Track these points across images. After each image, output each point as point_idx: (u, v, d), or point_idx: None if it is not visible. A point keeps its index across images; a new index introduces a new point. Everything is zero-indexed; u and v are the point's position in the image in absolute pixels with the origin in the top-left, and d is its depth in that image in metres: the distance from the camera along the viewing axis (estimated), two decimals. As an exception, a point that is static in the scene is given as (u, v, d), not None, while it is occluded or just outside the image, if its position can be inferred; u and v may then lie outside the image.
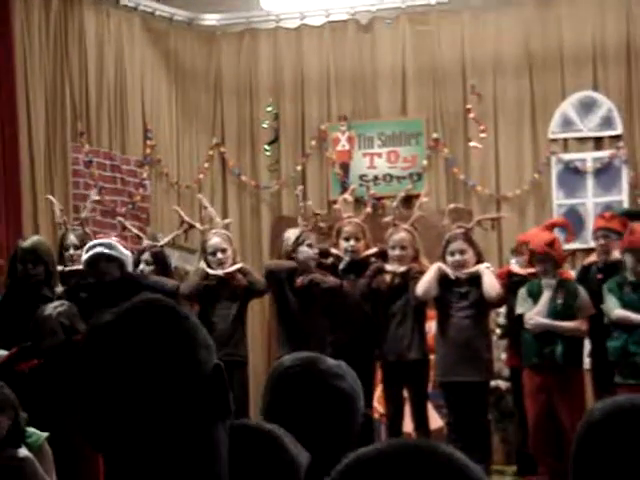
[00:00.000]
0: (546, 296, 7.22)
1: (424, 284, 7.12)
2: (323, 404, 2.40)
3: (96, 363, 1.75)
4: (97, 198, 8.33)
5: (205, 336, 1.73)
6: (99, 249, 6.52)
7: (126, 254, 6.68)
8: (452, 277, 7.14)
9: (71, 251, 7.16)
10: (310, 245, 7.30)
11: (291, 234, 7.46)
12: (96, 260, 6.48)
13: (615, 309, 7.12)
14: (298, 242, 7.32)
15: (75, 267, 7.01)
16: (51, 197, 8.05)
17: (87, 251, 6.57)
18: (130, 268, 6.70)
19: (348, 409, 2.45)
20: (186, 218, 7.88)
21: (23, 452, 4.66)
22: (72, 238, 7.22)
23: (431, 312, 7.54)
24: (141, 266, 7.20)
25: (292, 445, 2.06)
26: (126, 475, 1.70)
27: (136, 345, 1.69)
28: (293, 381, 2.45)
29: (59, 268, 6.92)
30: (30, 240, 6.66)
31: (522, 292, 7.37)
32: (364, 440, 2.41)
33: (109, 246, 6.59)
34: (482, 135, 9.00)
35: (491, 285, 7.12)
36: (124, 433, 1.70)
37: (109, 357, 1.72)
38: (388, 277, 7.32)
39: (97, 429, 1.78)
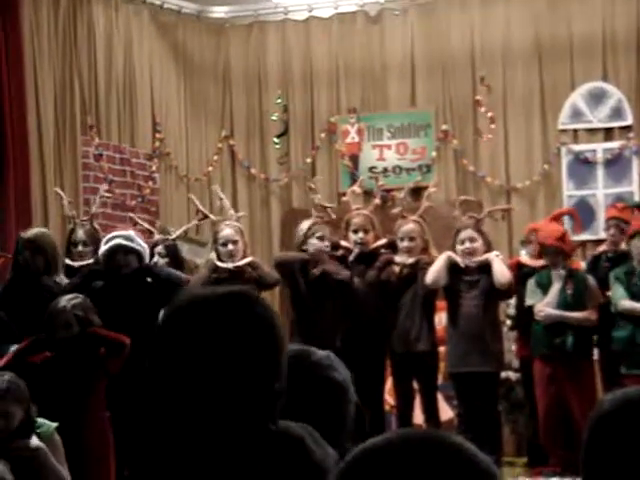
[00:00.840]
0: (556, 287, 7.20)
1: (433, 273, 7.11)
2: (317, 396, 2.39)
3: (175, 343, 1.73)
4: (107, 194, 8.32)
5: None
6: (118, 241, 6.52)
7: (144, 246, 6.68)
8: (462, 265, 7.13)
9: (79, 247, 7.16)
10: (321, 237, 7.28)
11: (304, 225, 7.46)
12: (114, 252, 6.47)
13: (622, 299, 7.10)
14: (307, 234, 7.31)
15: (84, 262, 7.01)
16: (59, 190, 8.04)
17: (106, 242, 6.57)
18: (147, 260, 6.69)
19: (341, 399, 2.46)
20: (201, 207, 7.88)
21: (35, 442, 4.68)
22: (80, 234, 7.21)
23: (441, 303, 7.53)
24: (155, 258, 7.19)
25: (318, 447, 2.06)
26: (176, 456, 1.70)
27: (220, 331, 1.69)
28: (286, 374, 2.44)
29: (67, 262, 6.92)
30: (31, 231, 6.66)
31: (531, 283, 7.35)
32: (357, 429, 2.44)
33: (128, 238, 6.58)
34: (492, 126, 8.97)
35: (501, 272, 7.11)
36: (188, 412, 1.69)
37: (191, 338, 1.71)
38: (397, 268, 7.31)
39: (160, 405, 1.76)
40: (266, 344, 1.74)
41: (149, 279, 6.48)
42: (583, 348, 7.23)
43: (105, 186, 8.50)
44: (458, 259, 7.13)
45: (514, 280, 7.29)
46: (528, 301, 7.33)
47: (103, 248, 6.56)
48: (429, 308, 7.32)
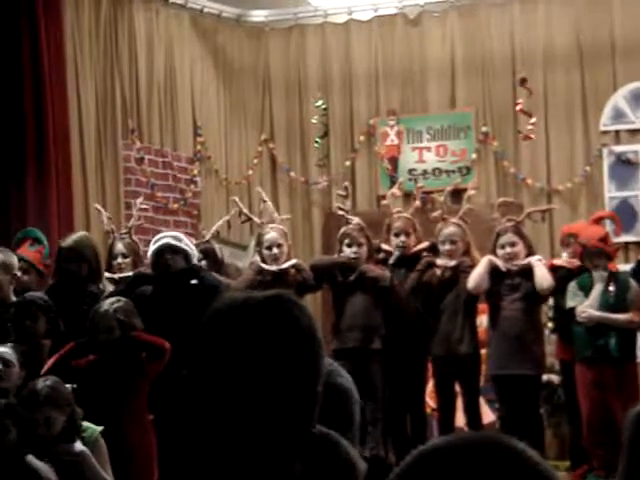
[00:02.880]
0: (598, 289, 7.15)
1: (475, 277, 7.09)
2: (328, 403, 2.42)
3: (216, 347, 1.74)
4: (144, 206, 8.36)
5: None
6: (166, 240, 6.56)
7: (192, 247, 6.72)
8: (503, 269, 7.10)
9: (119, 259, 7.20)
10: (349, 245, 7.26)
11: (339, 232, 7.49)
12: (163, 251, 6.52)
13: None
14: (340, 241, 7.33)
15: (124, 274, 7.03)
16: (98, 206, 8.07)
17: (155, 242, 6.62)
18: (195, 261, 6.73)
19: (349, 402, 2.52)
20: (245, 210, 7.90)
21: (78, 446, 4.71)
22: (120, 247, 7.26)
23: (482, 306, 7.50)
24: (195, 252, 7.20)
25: (352, 450, 2.08)
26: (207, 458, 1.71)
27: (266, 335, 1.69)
28: None
29: (107, 275, 6.94)
30: (70, 238, 6.66)
31: (573, 285, 7.31)
32: (363, 429, 2.50)
33: (176, 238, 6.63)
34: (529, 127, 8.92)
35: (543, 276, 7.07)
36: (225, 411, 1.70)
37: (231, 342, 1.71)
38: (439, 271, 7.29)
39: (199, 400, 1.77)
40: (305, 347, 1.74)
41: (194, 281, 6.51)
42: (626, 350, 7.17)
43: (141, 198, 8.53)
44: (499, 263, 7.10)
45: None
46: (569, 303, 7.28)
47: (152, 247, 6.61)
48: (471, 311, 7.30)
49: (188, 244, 6.68)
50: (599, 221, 7.77)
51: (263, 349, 1.69)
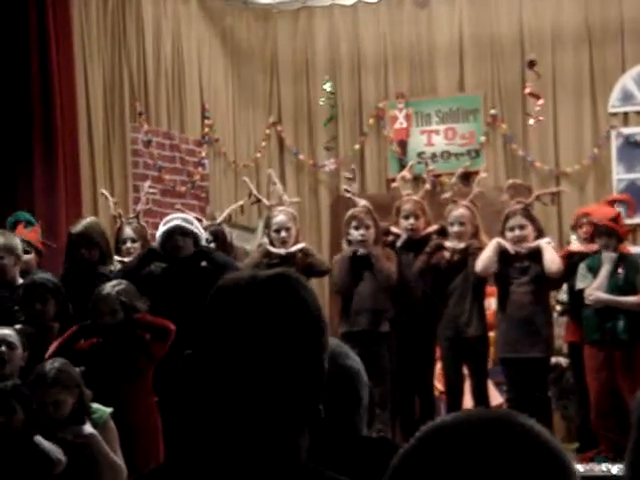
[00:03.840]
0: (605, 269, 7.13)
1: (484, 260, 7.08)
2: (334, 385, 2.42)
3: (219, 325, 1.74)
4: (152, 190, 8.35)
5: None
6: (177, 222, 6.56)
7: (202, 231, 6.72)
8: (512, 252, 7.08)
9: (128, 244, 7.20)
10: (357, 227, 7.25)
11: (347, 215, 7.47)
12: (173, 232, 6.52)
13: None
14: (347, 224, 7.31)
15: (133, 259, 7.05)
16: (105, 191, 8.08)
17: (165, 224, 6.62)
18: (203, 241, 6.73)
19: (357, 384, 2.52)
20: (255, 192, 7.88)
21: (88, 429, 4.72)
22: (128, 231, 7.26)
23: (491, 288, 7.49)
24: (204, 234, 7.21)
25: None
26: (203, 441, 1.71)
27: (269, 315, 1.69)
28: None
29: (117, 259, 6.95)
30: (80, 224, 6.67)
31: (582, 267, 7.29)
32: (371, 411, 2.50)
33: (186, 220, 6.64)
34: (537, 108, 8.88)
35: (552, 260, 7.06)
36: (226, 394, 1.70)
37: (234, 320, 1.71)
38: (447, 253, 7.28)
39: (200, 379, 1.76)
40: (310, 325, 1.74)
41: (204, 263, 6.51)
42: (635, 333, 7.15)
43: (149, 182, 8.53)
44: (508, 246, 7.09)
45: (565, 269, 7.24)
46: (579, 285, 7.26)
47: (162, 229, 6.61)
48: (479, 293, 7.30)
49: (198, 227, 6.68)
50: (612, 203, 7.75)
51: (268, 326, 1.69)
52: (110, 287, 5.80)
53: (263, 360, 1.67)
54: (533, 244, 7.10)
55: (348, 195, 7.68)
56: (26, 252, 6.64)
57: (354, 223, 7.25)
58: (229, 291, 1.76)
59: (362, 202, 7.44)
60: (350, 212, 7.35)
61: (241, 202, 8.42)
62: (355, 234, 7.22)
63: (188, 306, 6.03)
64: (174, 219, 6.63)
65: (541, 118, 8.99)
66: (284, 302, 1.72)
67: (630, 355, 7.08)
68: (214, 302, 1.76)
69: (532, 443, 1.26)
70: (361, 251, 7.17)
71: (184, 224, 6.56)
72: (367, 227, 7.22)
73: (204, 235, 6.77)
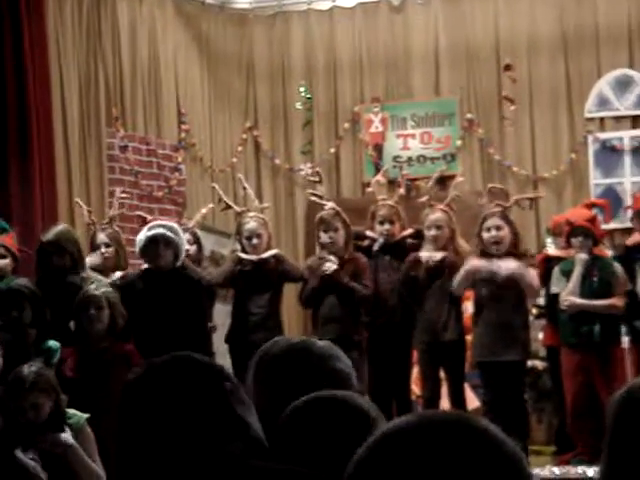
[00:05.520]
0: (577, 272, 7.13)
1: (459, 283, 7.08)
2: (323, 387, 2.40)
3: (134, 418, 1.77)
4: (123, 195, 8.30)
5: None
6: (162, 230, 6.53)
7: (183, 242, 6.70)
8: (484, 275, 7.04)
9: (102, 249, 7.18)
10: (325, 230, 7.24)
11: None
12: (155, 240, 6.49)
13: None
14: (317, 227, 7.32)
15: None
16: (79, 200, 8.03)
17: (149, 230, 6.58)
18: (183, 255, 6.72)
19: (347, 388, 2.46)
20: (224, 198, 7.87)
21: (67, 439, 4.68)
22: (102, 237, 7.22)
23: (467, 292, 7.50)
24: (186, 246, 7.21)
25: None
26: None
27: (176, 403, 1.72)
28: (291, 368, 2.47)
29: (89, 260, 6.93)
30: (51, 232, 6.65)
31: (556, 271, 7.30)
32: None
33: (172, 230, 6.60)
34: (511, 108, 8.90)
35: (530, 286, 7.08)
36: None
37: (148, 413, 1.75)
38: (424, 263, 7.27)
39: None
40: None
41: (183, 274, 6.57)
42: (611, 336, 7.18)
43: (121, 188, 8.50)
44: (482, 266, 7.05)
45: (542, 275, 7.26)
46: (553, 289, 7.28)
47: (144, 234, 6.58)
48: (456, 298, 7.29)
49: (181, 238, 6.65)
50: (590, 207, 7.77)
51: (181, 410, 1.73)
52: (93, 288, 5.86)
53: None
54: (509, 272, 7.03)
55: (313, 198, 7.68)
56: (2, 257, 6.60)
57: (322, 226, 7.25)
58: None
59: (329, 204, 7.42)
60: (318, 215, 7.36)
61: (210, 205, 8.38)
62: (324, 237, 7.22)
63: (167, 316, 6.09)
64: (160, 226, 6.60)
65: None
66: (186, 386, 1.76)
67: (606, 358, 7.10)
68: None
69: (486, 445, 1.25)
70: (327, 274, 7.12)
71: (169, 234, 6.53)
72: (335, 230, 7.20)
73: (185, 247, 6.77)
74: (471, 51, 10.22)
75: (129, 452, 1.78)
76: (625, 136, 9.81)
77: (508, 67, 9.08)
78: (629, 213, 8.09)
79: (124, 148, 9.49)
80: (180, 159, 10.06)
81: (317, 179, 7.92)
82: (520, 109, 9.97)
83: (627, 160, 9.79)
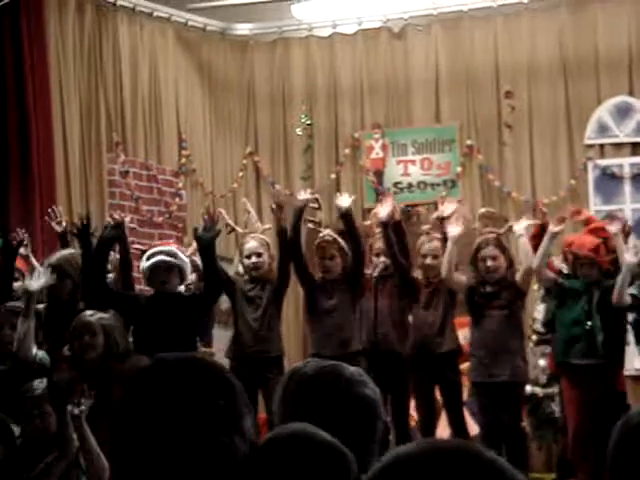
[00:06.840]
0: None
1: (446, 265, 7.11)
2: (350, 413, 2.40)
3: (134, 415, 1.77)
4: (132, 225, 8.32)
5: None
6: (160, 257, 6.54)
7: (186, 261, 6.72)
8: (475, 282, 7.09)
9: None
10: (322, 257, 7.32)
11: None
12: (156, 268, 6.52)
13: None
14: (316, 255, 7.39)
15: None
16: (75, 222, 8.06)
17: (148, 258, 6.60)
18: (189, 275, 6.75)
19: (373, 416, 2.46)
20: (229, 221, 7.89)
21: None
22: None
23: (464, 319, 7.48)
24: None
25: None
26: None
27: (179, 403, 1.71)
28: (319, 390, 2.45)
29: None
30: (54, 257, 6.70)
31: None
32: (384, 447, 2.44)
33: (170, 254, 6.61)
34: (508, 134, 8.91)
35: (528, 257, 7.08)
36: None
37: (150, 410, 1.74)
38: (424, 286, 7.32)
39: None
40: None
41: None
42: (611, 364, 7.13)
43: (128, 217, 8.53)
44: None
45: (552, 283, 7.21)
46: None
47: (145, 264, 6.60)
48: (451, 313, 7.31)
49: (182, 258, 6.66)
50: (595, 232, 7.71)
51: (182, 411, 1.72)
52: (88, 315, 5.85)
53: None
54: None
55: (310, 225, 7.72)
56: (15, 279, 6.68)
57: (319, 253, 7.30)
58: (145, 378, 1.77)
59: (325, 232, 7.48)
60: (316, 242, 7.40)
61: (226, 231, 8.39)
62: (320, 264, 7.30)
63: (171, 336, 6.11)
64: (157, 254, 6.61)
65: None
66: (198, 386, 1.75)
67: (607, 381, 7.06)
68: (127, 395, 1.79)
69: (493, 476, 1.24)
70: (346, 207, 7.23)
71: (167, 258, 6.54)
72: (332, 257, 7.25)
73: (189, 265, 6.79)
74: (471, 77, 10.24)
75: (126, 447, 1.76)
76: (625, 163, 9.82)
77: (509, 94, 9.10)
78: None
79: (125, 173, 9.50)
80: (181, 184, 10.08)
81: (316, 206, 7.95)
82: (520, 135, 9.98)
83: (627, 187, 9.80)
